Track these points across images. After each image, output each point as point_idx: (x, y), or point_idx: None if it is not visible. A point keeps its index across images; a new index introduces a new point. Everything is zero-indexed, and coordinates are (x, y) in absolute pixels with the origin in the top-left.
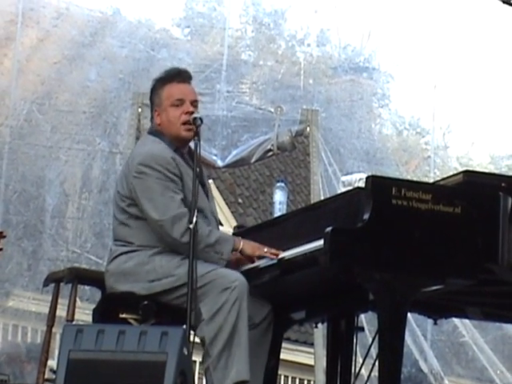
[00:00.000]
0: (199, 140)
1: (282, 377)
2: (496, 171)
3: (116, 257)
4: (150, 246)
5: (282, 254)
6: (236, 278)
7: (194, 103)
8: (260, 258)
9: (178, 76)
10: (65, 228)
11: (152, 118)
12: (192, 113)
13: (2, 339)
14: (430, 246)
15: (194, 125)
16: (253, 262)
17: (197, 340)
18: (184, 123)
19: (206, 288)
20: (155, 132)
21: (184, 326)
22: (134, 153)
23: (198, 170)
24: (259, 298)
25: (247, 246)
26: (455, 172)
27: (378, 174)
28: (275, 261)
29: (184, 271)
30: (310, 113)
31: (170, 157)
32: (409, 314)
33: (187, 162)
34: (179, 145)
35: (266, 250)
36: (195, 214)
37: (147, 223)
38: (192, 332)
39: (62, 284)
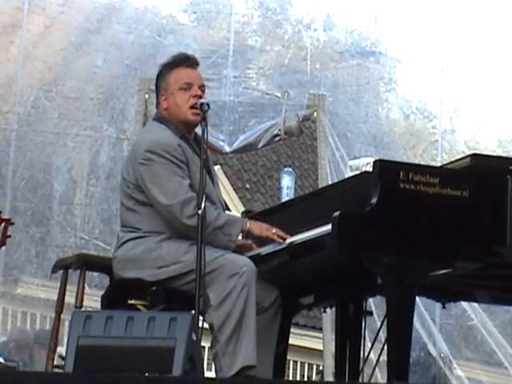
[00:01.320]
0: (206, 126)
1: (291, 362)
2: (503, 154)
3: (123, 243)
4: (157, 231)
5: (290, 239)
6: (244, 263)
7: (202, 88)
8: (268, 239)
9: (186, 61)
10: (73, 214)
11: (158, 103)
12: (200, 97)
13: (11, 326)
14: (438, 230)
15: (201, 110)
16: (262, 242)
17: (205, 325)
18: (191, 107)
19: (215, 274)
20: (161, 118)
21: (193, 312)
22: (139, 139)
23: (204, 156)
24: (267, 282)
25: (254, 226)
26: (463, 155)
27: (386, 158)
28: (284, 245)
29: (192, 257)
30: (316, 97)
31: (176, 143)
32: (417, 298)
33: (193, 148)
34: (186, 130)
35: (274, 230)
36: (203, 199)
37: (155, 209)
38: (201, 318)
39: (70, 270)
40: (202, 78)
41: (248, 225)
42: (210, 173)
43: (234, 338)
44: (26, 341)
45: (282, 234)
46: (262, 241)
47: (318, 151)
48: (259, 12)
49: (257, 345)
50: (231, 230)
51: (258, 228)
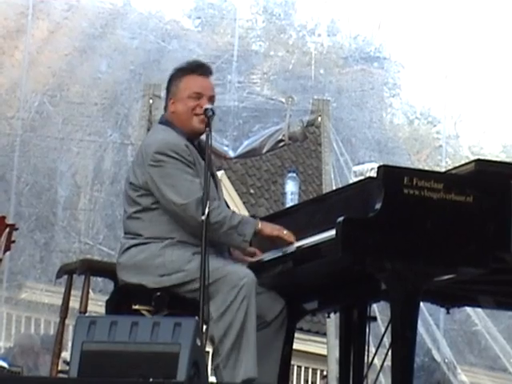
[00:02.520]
0: (210, 131)
1: (295, 367)
2: (507, 160)
3: (126, 249)
4: (159, 238)
5: (295, 244)
6: (245, 275)
7: (212, 99)
8: (278, 238)
9: (200, 69)
10: (77, 220)
11: (166, 106)
12: None
13: (16, 331)
14: (442, 235)
15: (206, 116)
16: (272, 242)
17: None
18: (197, 114)
19: (216, 285)
20: (166, 122)
21: (197, 318)
22: (146, 142)
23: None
24: (273, 291)
25: (265, 226)
26: (467, 161)
27: (390, 163)
28: (288, 250)
29: (195, 267)
30: (321, 103)
31: (183, 144)
32: (421, 304)
33: (198, 152)
34: (190, 136)
35: (285, 232)
36: (207, 205)
37: (165, 210)
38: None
39: (74, 276)
40: (213, 89)
41: (260, 225)
42: (214, 177)
43: (235, 350)
44: (30, 346)
45: (292, 235)
46: (272, 241)
47: (322, 156)
48: (263, 17)
49: (260, 357)
50: (245, 229)
51: (269, 228)
